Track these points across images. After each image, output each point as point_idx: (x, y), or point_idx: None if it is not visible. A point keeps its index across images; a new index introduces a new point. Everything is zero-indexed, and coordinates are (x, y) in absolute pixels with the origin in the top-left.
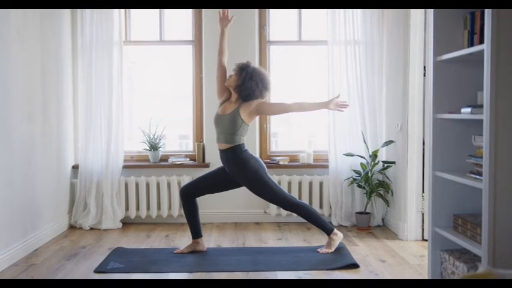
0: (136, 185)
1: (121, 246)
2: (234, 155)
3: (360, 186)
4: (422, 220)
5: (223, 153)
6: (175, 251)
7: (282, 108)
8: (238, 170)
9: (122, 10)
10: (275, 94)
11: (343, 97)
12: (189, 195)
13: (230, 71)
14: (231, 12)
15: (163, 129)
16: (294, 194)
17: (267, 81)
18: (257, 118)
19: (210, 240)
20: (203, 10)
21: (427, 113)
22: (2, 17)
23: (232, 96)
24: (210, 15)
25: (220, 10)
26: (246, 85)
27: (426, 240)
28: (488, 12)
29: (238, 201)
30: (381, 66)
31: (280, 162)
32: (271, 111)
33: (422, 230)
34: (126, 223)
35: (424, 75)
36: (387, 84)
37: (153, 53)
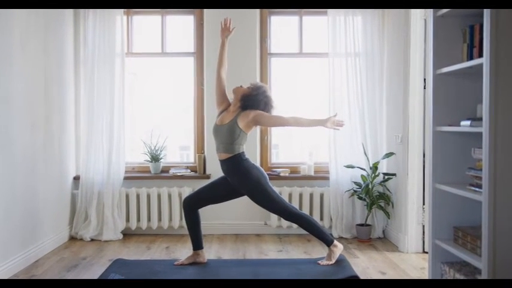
0: (137, 196)
1: (121, 258)
2: (234, 164)
3: (360, 198)
4: (423, 232)
5: (224, 163)
6: (175, 263)
7: (278, 122)
8: (240, 179)
9: (124, 22)
10: (276, 106)
11: (343, 109)
12: (192, 206)
13: (229, 82)
14: (233, 15)
15: (165, 140)
16: (295, 206)
17: (271, 103)
18: (258, 130)
19: (210, 252)
20: (205, 22)
21: (428, 126)
22: (6, 27)
23: (232, 105)
24: (212, 27)
25: (223, 20)
26: (255, 98)
27: (427, 253)
28: (487, 26)
29: (238, 212)
30: (381, 79)
31: (281, 174)
32: (268, 123)
33: (423, 242)
34: (127, 234)
35: (425, 88)
36: (388, 97)
37: (154, 64)
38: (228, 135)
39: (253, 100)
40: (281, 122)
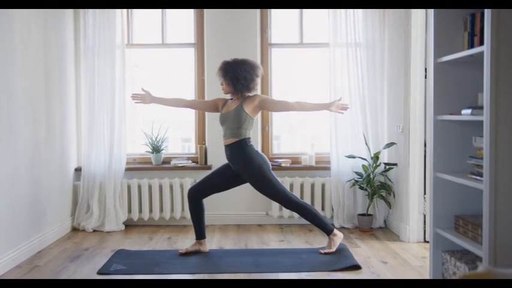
0: (139, 187)
1: (124, 248)
2: (238, 149)
3: (361, 188)
4: (424, 222)
5: (228, 148)
6: (180, 251)
7: (283, 106)
8: (242, 164)
9: (124, 13)
10: (277, 96)
11: (344, 99)
12: (197, 196)
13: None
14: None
15: (166, 131)
16: (296, 196)
17: (250, 66)
18: (259, 122)
19: (212, 242)
20: (205, 13)
21: (429, 115)
22: (6, 21)
23: (236, 99)
24: (212, 18)
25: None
26: (238, 85)
27: (428, 242)
28: (488, 14)
29: (240, 203)
30: (382, 68)
31: (283, 165)
32: (273, 108)
33: (424, 231)
34: (129, 225)
35: (425, 77)
36: (388, 86)
37: (155, 56)
38: (235, 120)
39: (240, 86)
40: (286, 106)
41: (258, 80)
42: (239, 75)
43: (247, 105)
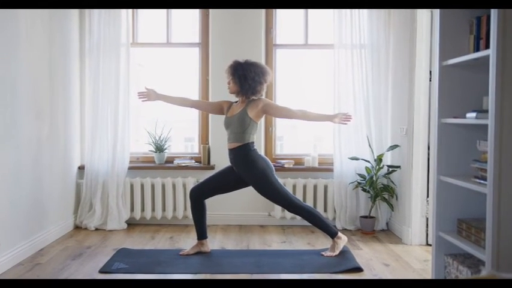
0: (142, 186)
1: (126, 247)
2: (242, 153)
3: (364, 190)
4: (427, 225)
5: (232, 152)
6: (180, 253)
7: (286, 113)
8: (245, 168)
9: (130, 12)
10: (281, 97)
11: (348, 101)
12: (199, 196)
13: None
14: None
15: (169, 131)
16: (299, 197)
17: (260, 69)
18: (262, 123)
19: (214, 242)
20: (210, 12)
21: (433, 118)
22: (11, 18)
23: (241, 102)
24: (217, 17)
25: (138, 95)
26: (245, 85)
27: (430, 245)
28: (494, 17)
29: (242, 203)
30: (386, 71)
31: (285, 166)
32: (276, 113)
33: (427, 234)
34: (131, 224)
35: (430, 80)
36: (393, 89)
37: (160, 55)
38: (239, 124)
39: (247, 89)
40: (289, 113)
41: (265, 86)
42: (248, 76)
43: (251, 110)
